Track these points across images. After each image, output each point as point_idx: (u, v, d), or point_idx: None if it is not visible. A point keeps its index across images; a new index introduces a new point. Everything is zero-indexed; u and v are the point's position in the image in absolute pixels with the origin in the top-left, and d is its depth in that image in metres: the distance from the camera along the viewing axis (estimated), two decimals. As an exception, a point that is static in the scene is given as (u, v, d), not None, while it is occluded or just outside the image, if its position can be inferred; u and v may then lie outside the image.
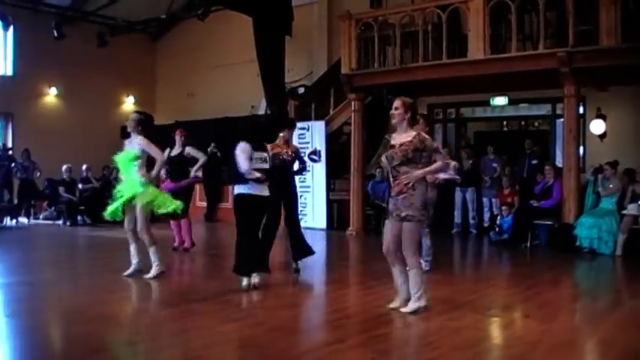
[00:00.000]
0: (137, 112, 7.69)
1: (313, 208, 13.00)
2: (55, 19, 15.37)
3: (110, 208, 7.07)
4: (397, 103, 5.45)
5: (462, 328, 5.06)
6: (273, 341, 4.73)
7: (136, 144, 7.03)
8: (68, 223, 13.92)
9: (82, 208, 14.20)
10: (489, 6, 10.28)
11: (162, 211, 7.12)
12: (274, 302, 6.08)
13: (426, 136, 5.47)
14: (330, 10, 14.91)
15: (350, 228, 12.07)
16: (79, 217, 14.12)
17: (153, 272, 7.01)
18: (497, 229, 10.74)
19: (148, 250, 7.06)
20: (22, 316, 5.55)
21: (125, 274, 7.11)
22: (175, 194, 7.95)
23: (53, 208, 14.84)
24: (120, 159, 7.10)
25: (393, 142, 5.45)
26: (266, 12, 13.77)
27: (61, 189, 14.29)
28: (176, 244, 9.54)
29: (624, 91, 11.05)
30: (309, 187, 12.77)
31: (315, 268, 8.05)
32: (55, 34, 15.01)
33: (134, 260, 7.19)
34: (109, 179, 14.89)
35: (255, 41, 14.33)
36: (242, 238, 6.51)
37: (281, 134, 7.45)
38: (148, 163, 7.15)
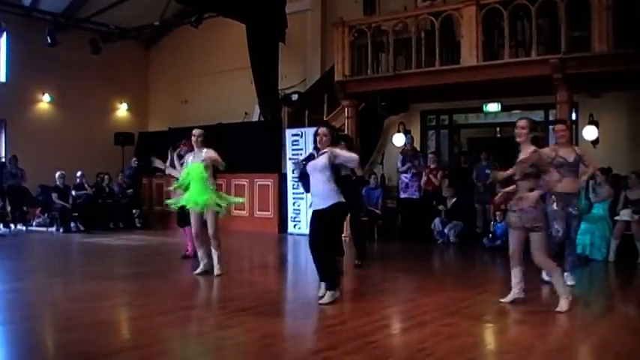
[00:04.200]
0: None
1: (307, 215, 12.98)
2: (49, 25, 15.35)
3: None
4: (522, 122, 5.96)
5: (456, 334, 5.06)
6: (267, 348, 4.72)
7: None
8: (61, 230, 13.86)
9: (76, 214, 14.15)
10: (482, 13, 10.34)
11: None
12: (268, 309, 6.07)
13: (543, 154, 5.97)
14: (324, 18, 14.94)
15: (344, 234, 12.01)
16: (72, 224, 14.05)
17: (216, 271, 7.75)
18: (490, 235, 10.76)
19: (214, 251, 7.74)
20: (15, 324, 5.51)
21: (195, 272, 7.87)
22: None
23: (46, 214, 14.77)
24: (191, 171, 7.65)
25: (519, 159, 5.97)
26: (260, 19, 13.81)
27: (54, 195, 14.21)
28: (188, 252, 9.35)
29: (617, 97, 11.10)
30: (302, 194, 12.76)
31: (307, 274, 8.04)
32: (49, 40, 14.99)
33: (203, 262, 7.89)
34: (101, 186, 14.86)
35: (249, 48, 14.38)
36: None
37: None
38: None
